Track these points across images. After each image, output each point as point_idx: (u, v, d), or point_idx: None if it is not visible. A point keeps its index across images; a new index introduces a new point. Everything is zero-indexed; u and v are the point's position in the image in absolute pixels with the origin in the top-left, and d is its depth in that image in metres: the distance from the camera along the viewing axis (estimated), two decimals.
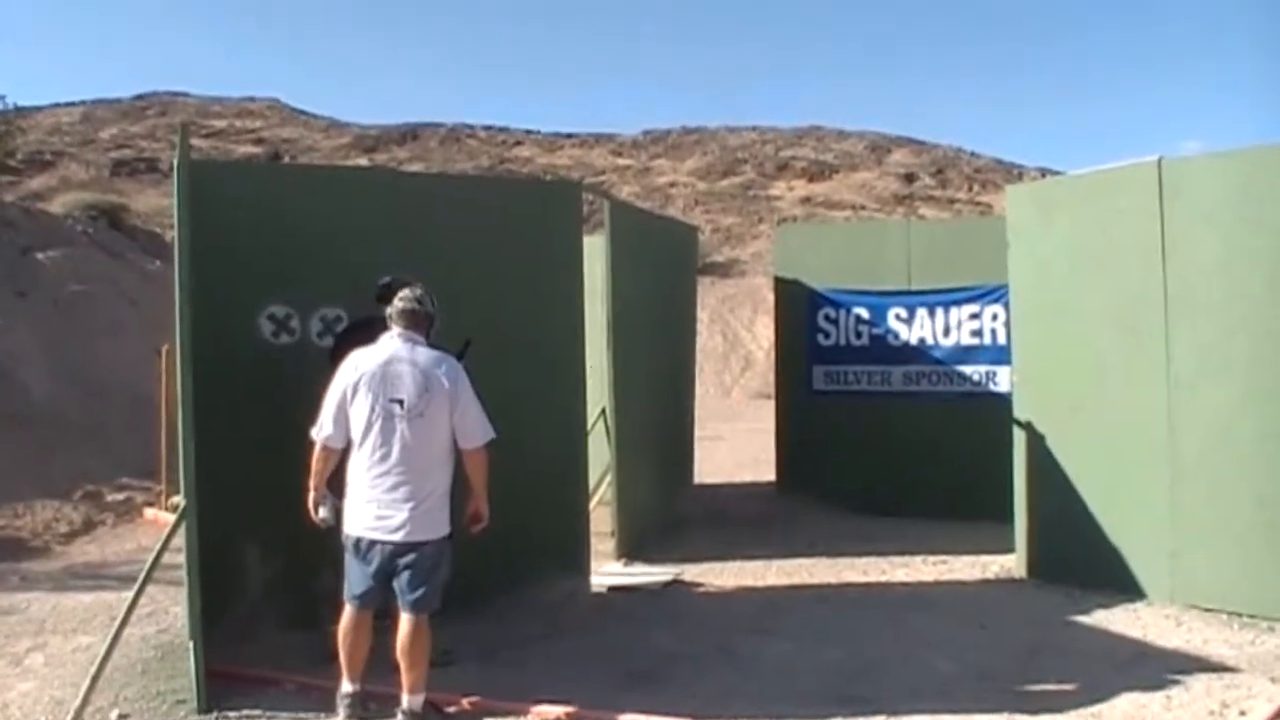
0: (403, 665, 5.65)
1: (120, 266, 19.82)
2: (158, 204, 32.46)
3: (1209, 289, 7.65)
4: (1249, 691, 6.03)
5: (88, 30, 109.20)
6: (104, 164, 44.74)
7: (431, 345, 5.88)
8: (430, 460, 5.70)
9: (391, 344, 5.79)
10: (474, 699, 5.96)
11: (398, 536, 5.59)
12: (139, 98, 58.94)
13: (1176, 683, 6.20)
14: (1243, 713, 5.71)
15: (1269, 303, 7.37)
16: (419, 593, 5.64)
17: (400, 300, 5.87)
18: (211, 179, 7.12)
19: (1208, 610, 7.53)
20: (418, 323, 5.86)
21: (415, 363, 5.72)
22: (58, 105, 56.23)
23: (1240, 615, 7.39)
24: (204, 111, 57.46)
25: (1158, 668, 6.49)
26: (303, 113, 61.11)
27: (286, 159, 47.74)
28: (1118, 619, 7.58)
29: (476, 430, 5.79)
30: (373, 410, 5.63)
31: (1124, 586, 8.00)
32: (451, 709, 5.88)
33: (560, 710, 5.80)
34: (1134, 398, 8.00)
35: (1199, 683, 6.21)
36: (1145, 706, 5.88)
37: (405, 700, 5.65)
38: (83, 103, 57.47)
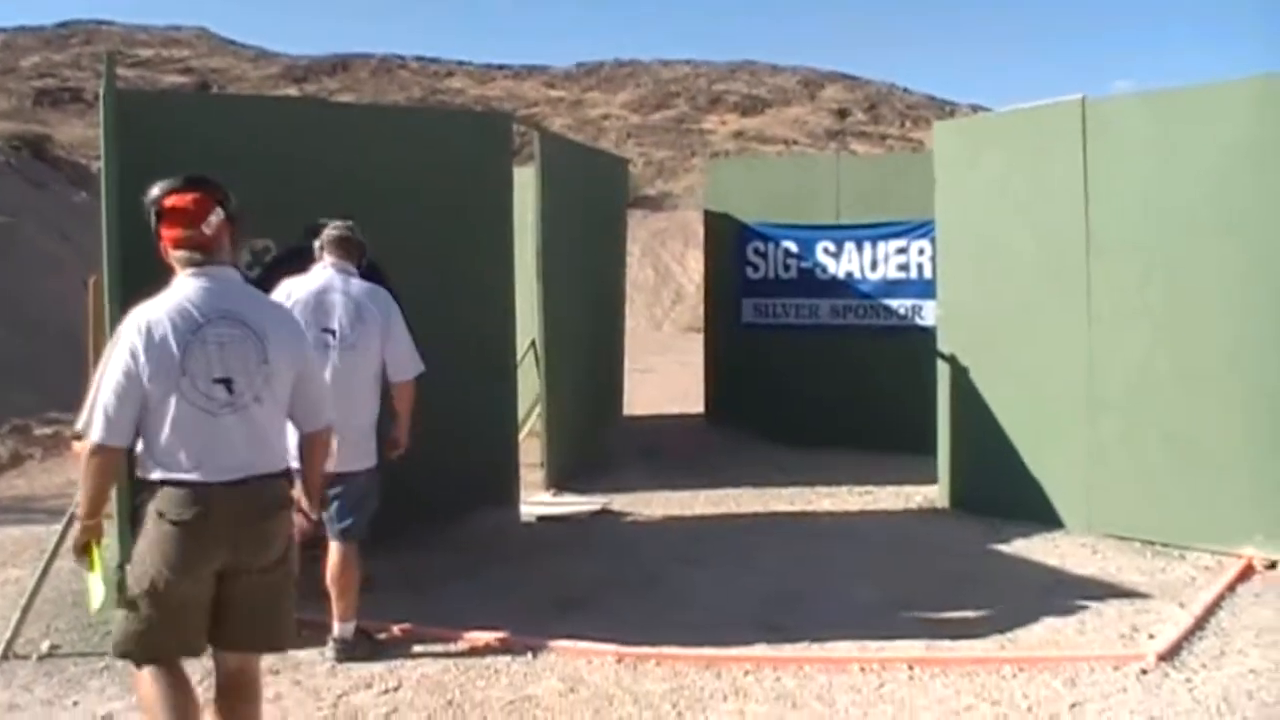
0: (333, 594, 5.69)
1: (45, 198, 19.47)
2: (83, 134, 31.68)
3: (1129, 228, 7.76)
4: (1158, 616, 6.23)
5: None
6: (26, 93, 43.57)
7: (363, 275, 5.89)
8: (360, 391, 5.72)
9: (324, 274, 5.80)
10: (405, 626, 6.02)
11: (326, 466, 5.59)
12: (62, 25, 57.40)
13: (1091, 608, 6.40)
14: (1151, 636, 5.90)
15: (1184, 243, 7.50)
16: (347, 522, 5.67)
17: (333, 229, 5.88)
18: (138, 109, 7.01)
19: (1122, 539, 7.73)
20: (350, 251, 5.88)
21: (348, 293, 5.75)
22: None
23: (1153, 543, 7.60)
24: (129, 40, 56.19)
25: (1073, 594, 6.68)
26: (231, 42, 59.99)
27: (214, 89, 46.85)
28: (1037, 548, 7.76)
29: (407, 363, 5.86)
30: None
31: (1043, 517, 8.18)
32: (383, 636, 5.93)
33: (490, 636, 5.87)
34: (1055, 334, 8.14)
35: (1111, 608, 6.41)
36: (1060, 631, 6.06)
37: (336, 628, 5.70)
38: (3, 30, 55.87)
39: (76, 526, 3.96)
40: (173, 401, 3.73)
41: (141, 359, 3.72)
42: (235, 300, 3.90)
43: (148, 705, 3.87)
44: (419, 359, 5.90)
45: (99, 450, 3.75)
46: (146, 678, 3.86)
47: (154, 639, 3.80)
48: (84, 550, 3.92)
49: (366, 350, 5.73)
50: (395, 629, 5.99)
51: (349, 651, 5.69)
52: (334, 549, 5.70)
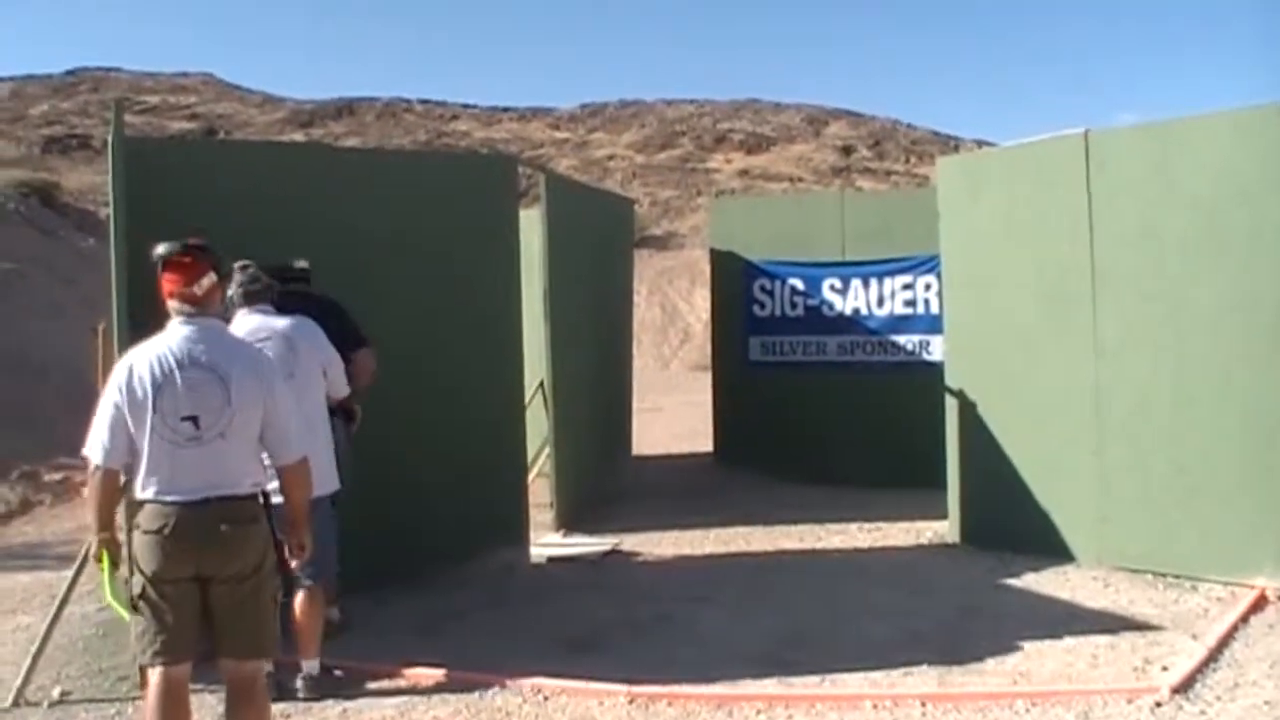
0: (298, 633, 5.78)
1: (53, 245, 19.59)
2: (90, 181, 31.89)
3: (1132, 259, 7.77)
4: (1171, 648, 6.20)
5: (16, 5, 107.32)
6: (35, 141, 43.83)
7: (300, 299, 6.07)
8: (304, 421, 5.71)
9: (248, 320, 5.92)
10: (404, 669, 6.00)
11: (277, 499, 5.57)
12: (70, 73, 57.71)
13: (1103, 641, 6.36)
14: (1165, 668, 5.87)
15: (1186, 273, 7.51)
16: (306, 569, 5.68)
17: (238, 285, 5.95)
18: (146, 155, 7.07)
19: (1134, 571, 7.69)
20: (260, 296, 6.02)
21: (273, 329, 5.88)
22: None
23: (1165, 575, 7.56)
24: (137, 87, 56.45)
25: (1085, 627, 6.64)
26: (237, 87, 60.22)
27: (221, 134, 47.10)
28: (1047, 581, 7.73)
29: (343, 383, 6.13)
30: None
31: (1054, 550, 8.15)
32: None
33: (508, 679, 5.86)
34: (1061, 366, 8.14)
35: (1124, 641, 6.37)
36: (1072, 665, 6.03)
37: (304, 665, 5.79)
38: (12, 79, 56.18)
39: (94, 539, 4.52)
40: (148, 433, 4.32)
41: (124, 396, 4.35)
42: (210, 348, 4.46)
43: (146, 714, 4.41)
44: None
45: (97, 470, 4.40)
46: (149, 686, 4.40)
47: (151, 638, 4.33)
48: (99, 559, 4.49)
49: (305, 379, 5.83)
50: (405, 673, 5.98)
51: (316, 688, 5.75)
52: (298, 591, 5.77)
